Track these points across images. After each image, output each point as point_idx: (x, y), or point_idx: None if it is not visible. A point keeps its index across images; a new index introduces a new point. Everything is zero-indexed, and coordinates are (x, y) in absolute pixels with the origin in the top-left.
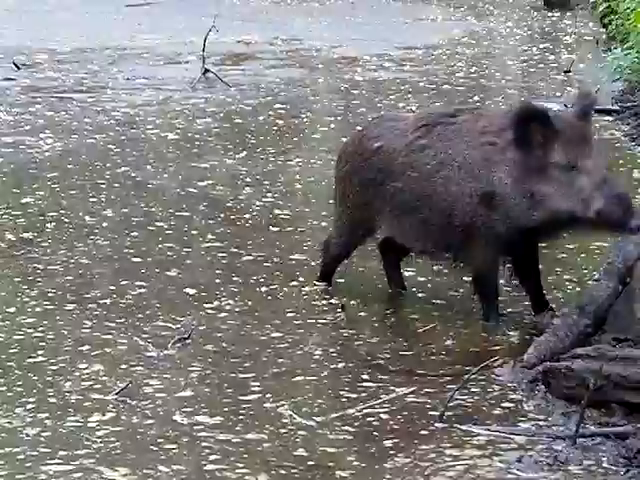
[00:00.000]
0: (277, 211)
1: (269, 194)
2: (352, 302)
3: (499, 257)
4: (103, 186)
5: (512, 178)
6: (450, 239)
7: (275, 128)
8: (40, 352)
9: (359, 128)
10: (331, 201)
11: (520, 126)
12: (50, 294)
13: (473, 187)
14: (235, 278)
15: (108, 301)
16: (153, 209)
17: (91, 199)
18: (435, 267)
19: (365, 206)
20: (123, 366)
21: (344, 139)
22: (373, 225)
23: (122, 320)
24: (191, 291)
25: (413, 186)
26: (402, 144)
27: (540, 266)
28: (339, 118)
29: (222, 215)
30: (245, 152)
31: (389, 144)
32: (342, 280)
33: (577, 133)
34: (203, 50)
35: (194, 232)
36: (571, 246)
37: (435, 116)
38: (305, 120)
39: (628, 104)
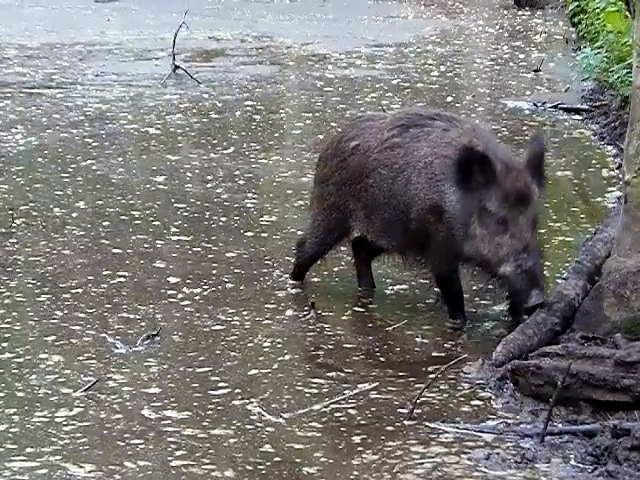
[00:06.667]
0: (258, 210)
1: (249, 193)
2: (321, 299)
3: (456, 260)
4: (73, 180)
5: (459, 203)
6: (408, 239)
7: (254, 124)
8: (5, 344)
9: (339, 130)
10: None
11: (462, 167)
12: (29, 285)
13: (426, 195)
14: (208, 273)
15: (80, 291)
16: (132, 201)
17: (58, 192)
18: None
19: (341, 207)
20: (85, 359)
21: (321, 136)
22: (348, 226)
23: (92, 311)
24: (172, 280)
25: (381, 183)
26: (377, 142)
27: None
28: (317, 114)
29: (203, 211)
30: (232, 148)
31: (365, 142)
32: (313, 279)
33: (516, 187)
34: (173, 46)
35: (169, 226)
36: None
37: (415, 116)
38: (282, 116)
39: (597, 103)
